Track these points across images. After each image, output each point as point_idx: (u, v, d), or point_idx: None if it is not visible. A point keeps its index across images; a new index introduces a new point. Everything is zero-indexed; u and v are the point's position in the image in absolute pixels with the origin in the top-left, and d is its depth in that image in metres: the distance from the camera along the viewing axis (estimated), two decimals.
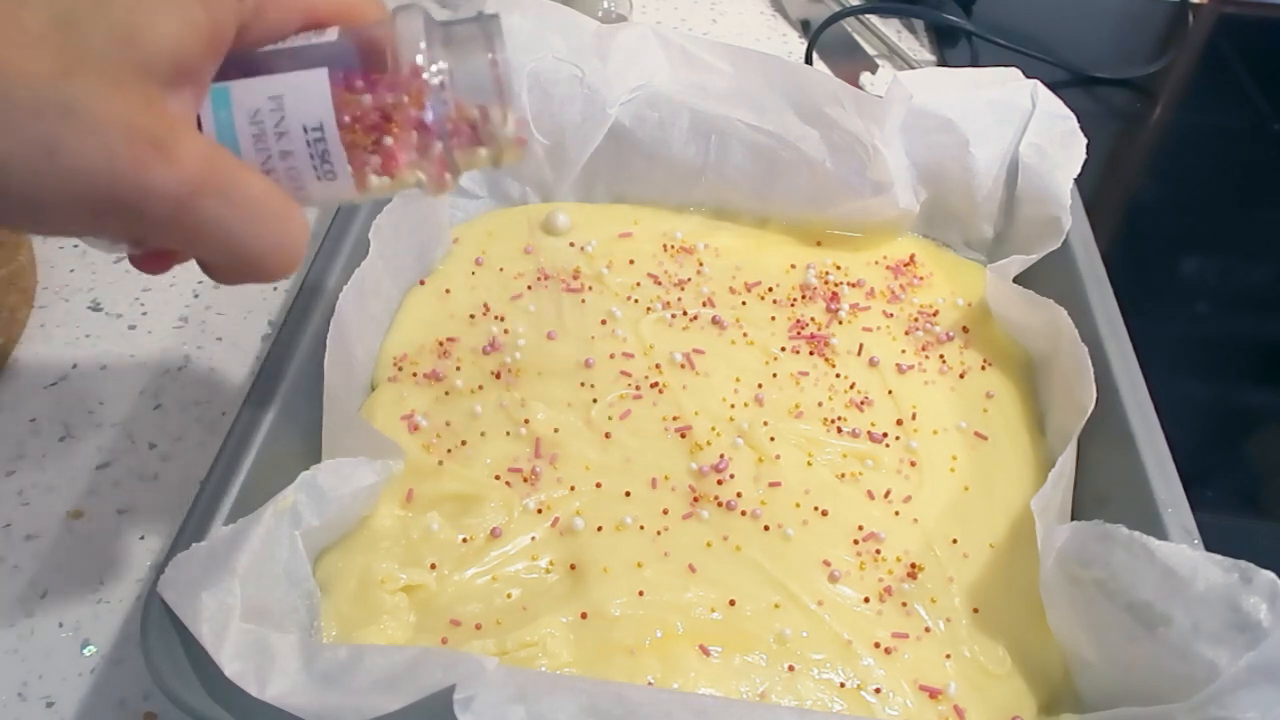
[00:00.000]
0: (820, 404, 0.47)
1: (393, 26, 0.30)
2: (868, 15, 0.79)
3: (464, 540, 0.40)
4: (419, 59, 0.29)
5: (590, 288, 0.51)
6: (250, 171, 0.28)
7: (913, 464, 0.44)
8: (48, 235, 0.29)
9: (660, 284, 0.52)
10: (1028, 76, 0.55)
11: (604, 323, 0.49)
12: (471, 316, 0.49)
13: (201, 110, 0.29)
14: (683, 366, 0.47)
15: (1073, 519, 0.41)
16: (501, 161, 0.32)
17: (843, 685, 0.37)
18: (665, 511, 0.42)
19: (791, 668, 0.37)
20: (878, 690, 0.37)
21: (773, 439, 0.45)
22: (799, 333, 0.50)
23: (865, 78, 0.73)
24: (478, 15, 0.31)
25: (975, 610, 0.39)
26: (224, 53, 0.28)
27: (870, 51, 0.77)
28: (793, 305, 0.51)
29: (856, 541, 0.41)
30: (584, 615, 0.38)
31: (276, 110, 0.29)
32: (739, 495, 0.42)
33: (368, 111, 0.29)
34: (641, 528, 0.41)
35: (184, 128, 0.27)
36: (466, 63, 0.30)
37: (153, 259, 0.32)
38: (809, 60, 0.74)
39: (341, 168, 0.30)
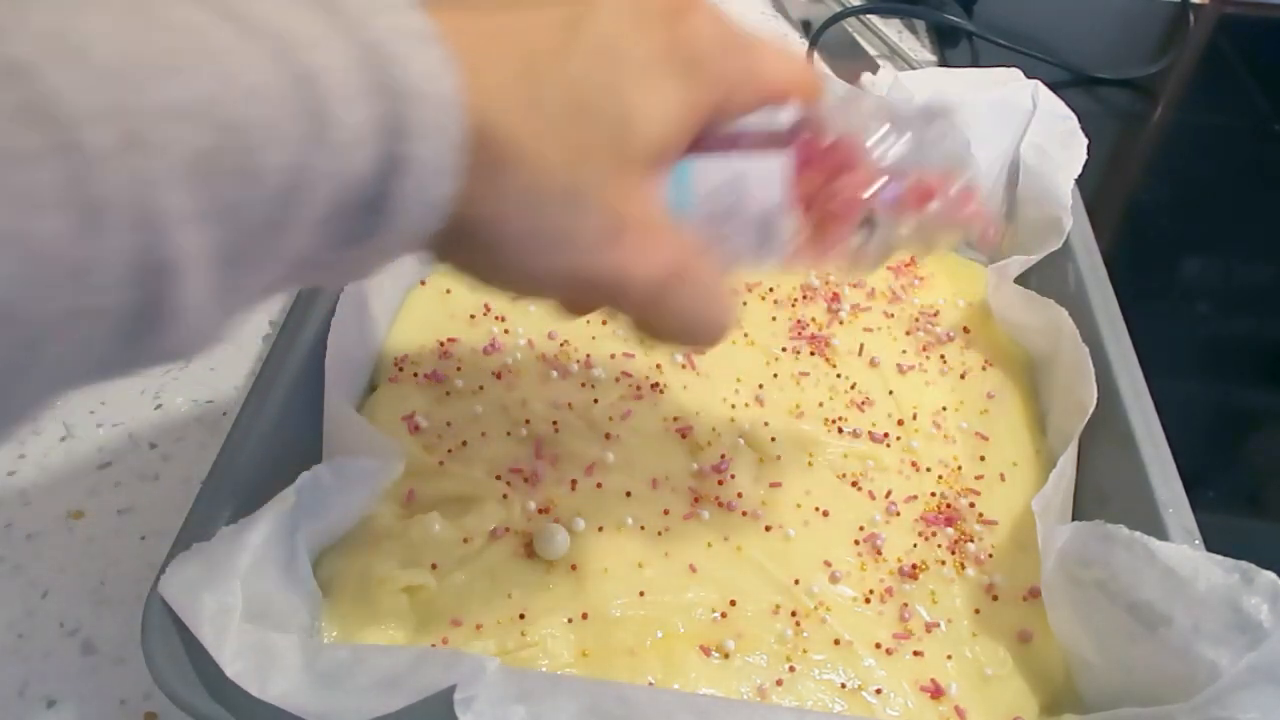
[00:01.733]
0: (821, 404, 0.47)
1: (848, 108, 0.30)
2: (869, 15, 0.79)
3: (465, 540, 0.40)
4: (873, 146, 0.30)
5: None
6: (706, 257, 0.29)
7: (913, 464, 0.44)
8: (520, 297, 0.31)
9: None
10: (1029, 77, 0.55)
11: (605, 323, 0.49)
12: (472, 317, 0.49)
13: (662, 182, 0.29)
14: (683, 367, 0.47)
15: (1074, 519, 0.41)
16: (963, 240, 0.32)
17: (843, 686, 0.37)
18: (666, 512, 0.42)
19: (792, 668, 0.37)
20: (879, 691, 0.37)
21: (773, 439, 0.45)
22: (800, 333, 0.50)
23: (866, 78, 0.73)
24: (927, 104, 0.32)
25: (976, 611, 0.39)
26: (694, 134, 0.29)
27: (871, 52, 0.77)
28: (794, 305, 0.51)
29: (857, 542, 0.41)
30: (585, 616, 0.38)
31: (734, 192, 0.30)
32: (740, 495, 0.42)
33: (816, 198, 0.30)
34: (642, 528, 0.41)
35: (661, 217, 0.29)
36: (920, 149, 0.30)
37: (587, 309, 0.32)
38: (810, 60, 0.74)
39: (781, 250, 0.31)
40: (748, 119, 0.30)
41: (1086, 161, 0.51)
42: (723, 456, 0.44)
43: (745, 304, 0.51)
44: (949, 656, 0.38)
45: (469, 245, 0.26)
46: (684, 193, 0.30)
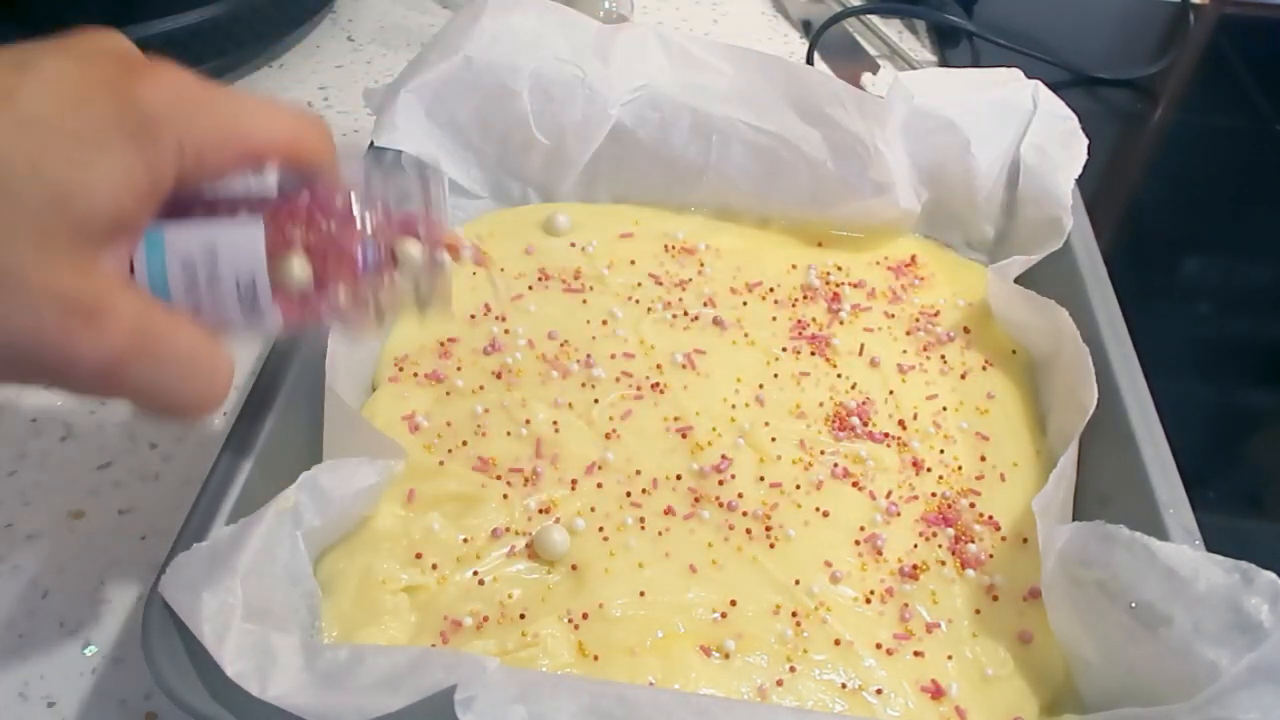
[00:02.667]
0: (821, 404, 0.46)
1: (334, 170, 0.31)
2: (869, 16, 0.79)
3: (465, 540, 0.40)
4: (353, 205, 0.31)
5: (591, 288, 0.51)
6: (179, 325, 0.28)
7: (914, 464, 0.44)
8: None
9: (661, 284, 0.52)
10: (1029, 77, 0.55)
11: (605, 323, 0.49)
12: (472, 317, 0.49)
13: (134, 252, 0.29)
14: (684, 367, 0.47)
15: (1074, 519, 0.41)
16: (427, 308, 0.33)
17: (844, 686, 0.37)
18: (666, 512, 0.42)
19: (793, 668, 0.37)
20: (879, 691, 0.37)
21: (774, 439, 0.45)
22: (800, 333, 0.50)
23: (866, 78, 0.73)
24: (420, 165, 0.33)
25: (977, 611, 0.39)
26: (161, 201, 0.28)
27: (871, 52, 0.77)
28: (794, 305, 0.51)
29: (858, 542, 0.41)
30: (585, 616, 0.38)
31: (209, 261, 0.29)
32: (740, 496, 0.42)
33: (296, 256, 0.30)
34: (642, 528, 0.41)
35: (116, 290, 0.27)
36: (401, 209, 0.31)
37: None
38: (810, 61, 0.74)
39: (269, 313, 0.30)
40: (233, 183, 0.30)
41: (1087, 162, 0.51)
42: (723, 457, 0.44)
43: (746, 304, 0.51)
44: (949, 657, 0.38)
45: None
46: (158, 260, 0.29)
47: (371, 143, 0.52)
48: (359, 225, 0.31)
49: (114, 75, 0.27)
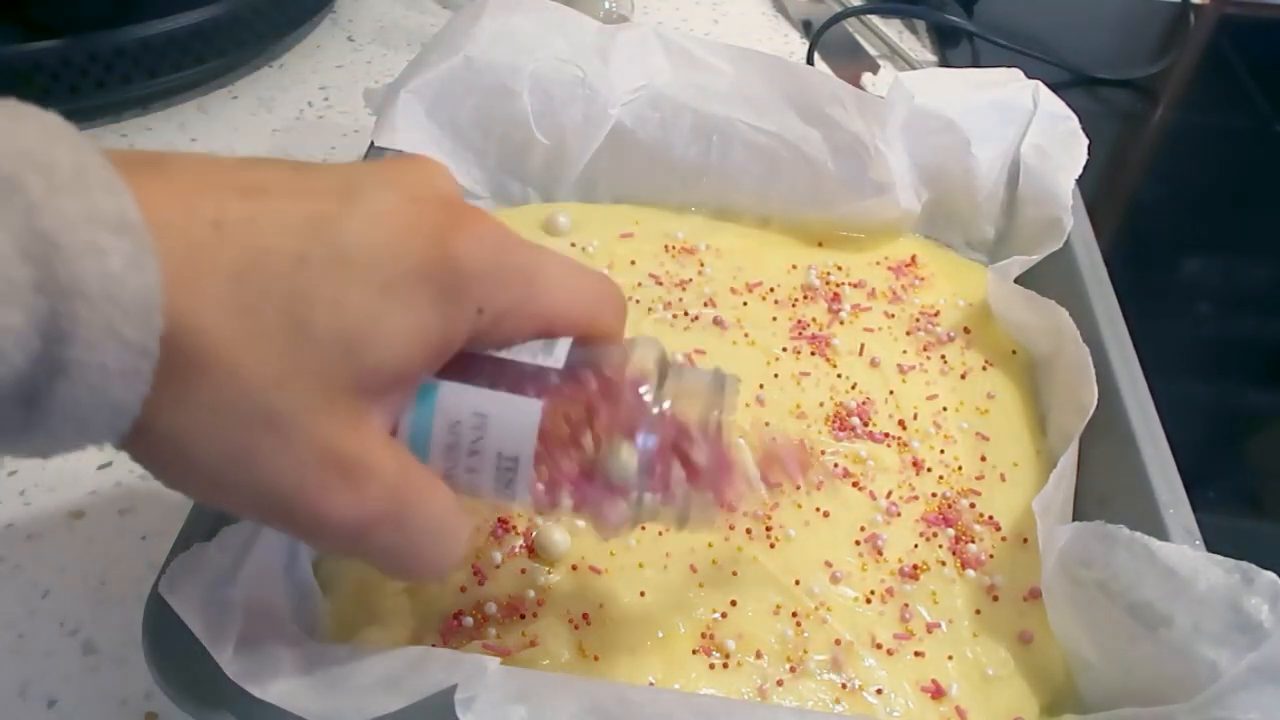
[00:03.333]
0: (821, 404, 0.46)
1: (623, 359, 0.29)
2: (869, 16, 0.79)
3: None
4: (647, 393, 0.28)
5: None
6: (433, 492, 0.27)
7: (914, 464, 0.44)
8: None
9: (661, 284, 0.52)
10: (1029, 77, 0.55)
11: None
12: None
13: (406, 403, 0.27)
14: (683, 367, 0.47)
15: (1074, 519, 0.41)
16: (685, 526, 0.30)
17: (844, 686, 0.37)
18: None
19: (793, 668, 0.37)
20: (879, 691, 0.37)
21: (774, 439, 0.44)
22: (800, 333, 0.50)
23: (867, 78, 0.74)
24: (714, 371, 0.30)
25: (977, 611, 0.39)
26: (445, 360, 0.27)
27: (872, 52, 0.77)
28: (794, 306, 0.51)
29: (858, 542, 0.41)
30: (585, 616, 0.38)
31: (478, 429, 0.27)
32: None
33: (566, 455, 0.28)
34: (643, 528, 0.41)
35: (381, 449, 0.26)
36: (687, 412, 0.29)
37: None
38: (810, 61, 0.74)
39: (523, 495, 0.29)
40: (522, 349, 0.28)
41: (1087, 162, 0.51)
42: None
43: (746, 304, 0.51)
44: (950, 657, 0.38)
45: (151, 453, 0.24)
46: (426, 417, 0.27)
47: (372, 143, 0.52)
48: (645, 418, 0.28)
49: (436, 224, 0.25)
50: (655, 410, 0.28)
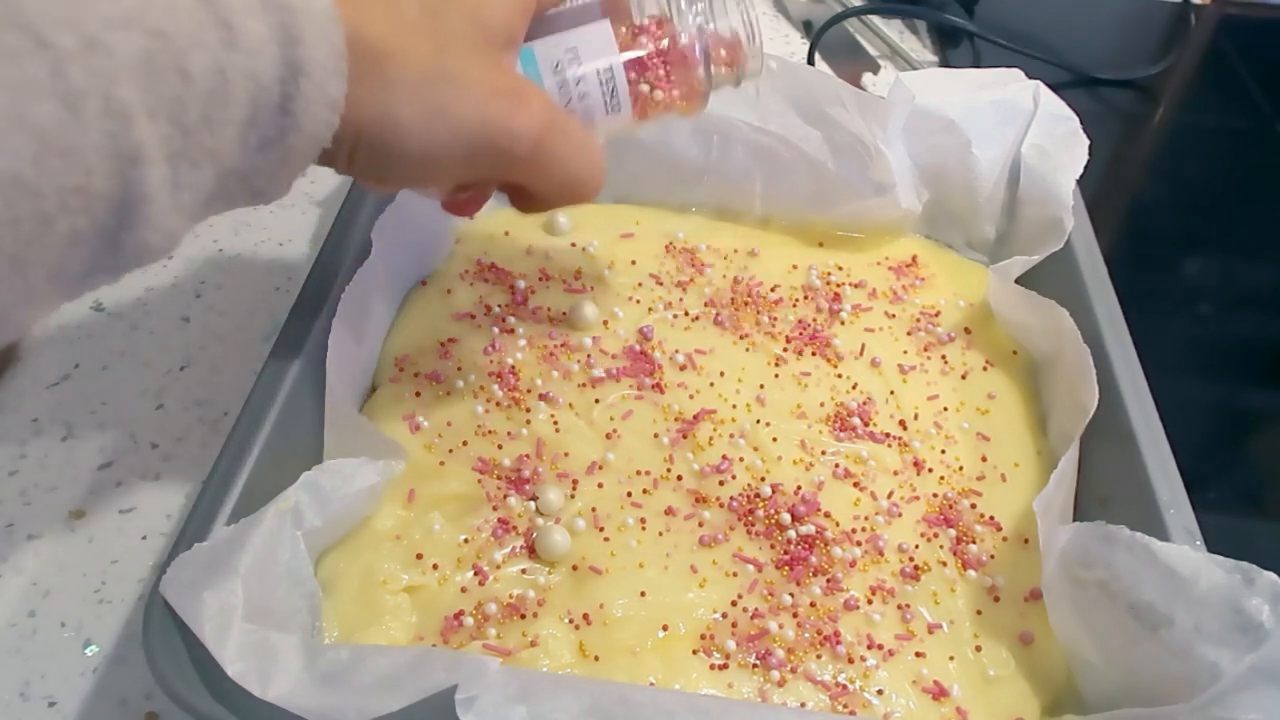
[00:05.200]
0: (822, 404, 0.46)
1: None
2: (870, 16, 0.79)
3: (465, 540, 0.40)
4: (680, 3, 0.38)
5: (592, 288, 0.51)
6: (570, 114, 0.35)
7: (915, 465, 0.44)
8: (419, 186, 0.36)
9: (662, 284, 0.52)
10: (1030, 77, 0.55)
11: (606, 323, 0.49)
12: (472, 316, 0.49)
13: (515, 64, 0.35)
14: (684, 367, 0.47)
15: (1075, 520, 0.41)
16: (743, 80, 0.41)
17: (845, 687, 0.37)
18: (667, 512, 0.42)
19: (794, 668, 0.37)
20: (880, 691, 0.37)
21: (775, 440, 0.45)
22: (801, 333, 0.50)
23: (867, 78, 0.74)
24: None
25: (978, 612, 0.39)
26: (531, 17, 0.35)
27: (872, 52, 0.77)
28: (795, 306, 0.51)
29: (859, 543, 0.41)
30: (585, 616, 0.38)
31: (573, 59, 0.36)
32: (741, 495, 0.42)
33: (644, 49, 0.37)
34: (643, 528, 0.41)
35: (527, 82, 0.34)
36: (715, 5, 0.38)
37: (469, 203, 0.38)
38: (811, 61, 0.74)
39: (626, 101, 0.37)
40: (568, 4, 0.37)
41: (1088, 162, 0.51)
42: (724, 457, 0.44)
43: (746, 304, 0.51)
44: (951, 658, 0.38)
45: (367, 144, 0.31)
46: (531, 68, 0.36)
47: None
48: (686, 17, 0.37)
49: None
50: (694, 7, 0.38)
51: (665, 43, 0.37)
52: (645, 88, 0.37)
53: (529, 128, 0.33)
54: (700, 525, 0.41)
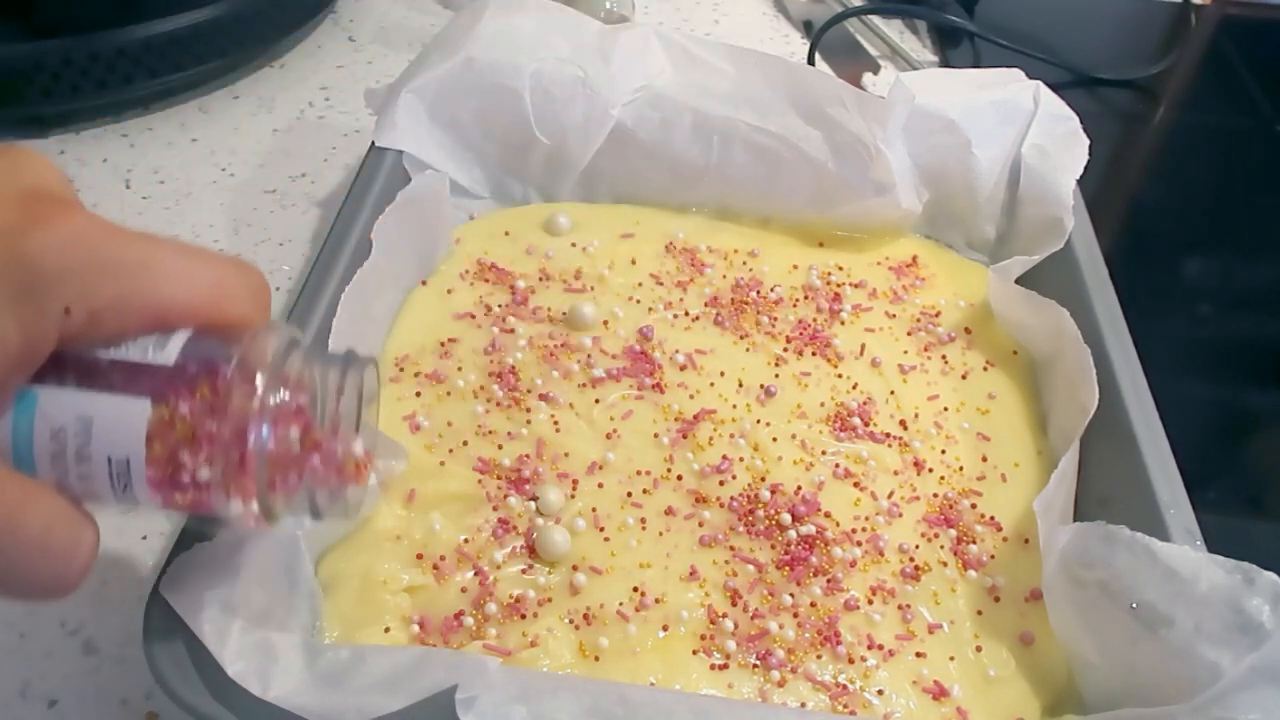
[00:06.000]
0: (822, 404, 0.46)
1: (242, 347, 0.27)
2: (870, 16, 0.79)
3: (465, 540, 0.40)
4: (258, 386, 0.27)
5: (592, 288, 0.51)
6: (35, 500, 0.25)
7: (915, 465, 0.44)
8: None
9: (662, 284, 0.52)
10: (1030, 77, 0.55)
11: (606, 323, 0.49)
12: (472, 316, 0.49)
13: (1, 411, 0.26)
14: (684, 367, 0.47)
15: (1075, 520, 0.41)
16: (320, 519, 0.29)
17: (845, 687, 0.37)
18: (667, 512, 0.42)
19: (794, 668, 0.37)
20: (880, 692, 0.37)
21: (775, 440, 0.45)
22: (801, 333, 0.50)
23: (868, 78, 0.73)
24: (347, 354, 0.29)
25: (979, 612, 0.39)
26: (36, 365, 0.25)
27: (873, 52, 0.77)
28: (795, 306, 0.51)
29: (860, 543, 0.41)
30: (585, 615, 0.38)
31: (82, 434, 0.26)
32: (741, 496, 0.42)
33: (181, 443, 0.26)
34: (643, 528, 0.41)
35: None
36: (317, 398, 0.28)
37: None
38: (811, 61, 0.74)
39: (143, 496, 0.27)
40: (131, 346, 0.27)
41: (1088, 162, 0.51)
42: (724, 457, 0.44)
43: (747, 304, 0.51)
44: (951, 658, 0.38)
45: None
46: (26, 425, 0.26)
47: (373, 143, 0.52)
48: (255, 413, 0.26)
49: (10, 222, 0.24)
50: (272, 400, 0.27)
51: (226, 437, 0.26)
52: (181, 489, 0.27)
53: None
54: (700, 525, 0.41)
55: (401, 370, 0.46)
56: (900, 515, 0.42)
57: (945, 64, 0.77)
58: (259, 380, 0.27)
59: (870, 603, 0.39)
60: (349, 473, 0.29)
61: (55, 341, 0.25)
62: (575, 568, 0.39)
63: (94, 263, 0.25)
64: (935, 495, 0.43)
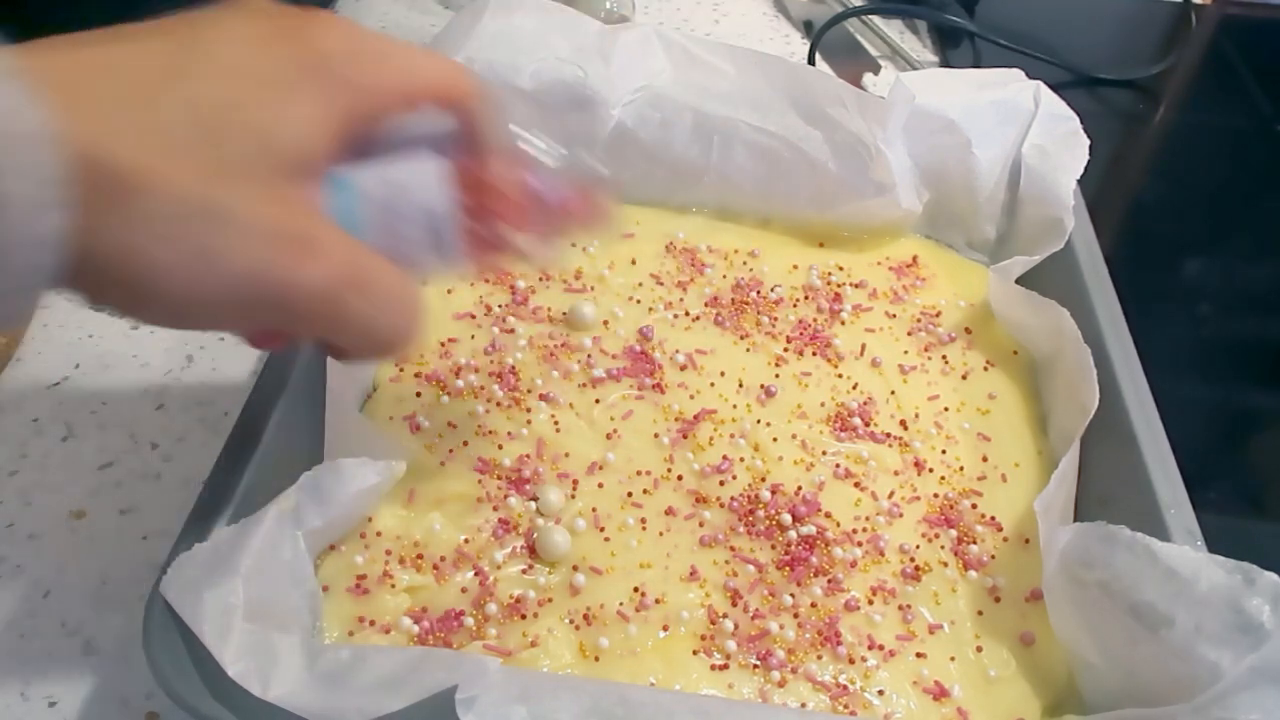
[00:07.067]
0: (822, 404, 0.46)
1: (486, 114, 0.32)
2: (870, 16, 0.79)
3: (466, 541, 0.40)
4: (528, 145, 0.33)
5: (592, 288, 0.51)
6: (382, 262, 0.29)
7: (915, 465, 0.44)
8: (191, 329, 0.32)
9: (662, 284, 0.52)
10: (1030, 77, 0.55)
11: (606, 323, 0.49)
12: (472, 316, 0.49)
13: (323, 195, 0.29)
14: (684, 367, 0.47)
15: (1075, 520, 0.41)
16: (589, 234, 0.35)
17: (846, 687, 0.37)
18: (668, 512, 0.42)
19: (794, 669, 0.37)
20: (881, 692, 0.36)
21: (775, 440, 0.45)
22: (801, 333, 0.50)
23: (868, 78, 0.73)
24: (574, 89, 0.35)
25: (979, 612, 0.39)
26: (343, 140, 0.29)
27: (873, 52, 0.77)
28: (795, 306, 0.51)
29: (860, 544, 0.41)
30: (585, 615, 0.38)
31: (399, 198, 0.30)
32: (741, 496, 0.42)
33: (480, 195, 0.31)
34: (644, 528, 0.41)
35: (323, 224, 0.28)
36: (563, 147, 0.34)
37: (272, 338, 0.33)
38: (811, 61, 0.74)
39: (457, 249, 0.31)
40: (409, 126, 0.31)
41: (1088, 162, 0.51)
42: (724, 457, 0.43)
43: (747, 304, 0.51)
44: (952, 658, 0.38)
45: (114, 280, 0.25)
46: (349, 203, 0.30)
47: None
48: (533, 160, 0.33)
49: (288, 25, 0.28)
50: (542, 148, 0.34)
51: (517, 184, 0.32)
52: (485, 231, 0.32)
53: (316, 282, 0.27)
54: (701, 525, 0.41)
55: (401, 370, 0.46)
56: (901, 515, 0.42)
57: (945, 64, 0.77)
58: (521, 138, 0.33)
59: (871, 603, 0.39)
60: (593, 213, 0.35)
61: (352, 116, 0.29)
62: (575, 568, 0.39)
63: (363, 50, 0.29)
64: (936, 495, 0.43)
